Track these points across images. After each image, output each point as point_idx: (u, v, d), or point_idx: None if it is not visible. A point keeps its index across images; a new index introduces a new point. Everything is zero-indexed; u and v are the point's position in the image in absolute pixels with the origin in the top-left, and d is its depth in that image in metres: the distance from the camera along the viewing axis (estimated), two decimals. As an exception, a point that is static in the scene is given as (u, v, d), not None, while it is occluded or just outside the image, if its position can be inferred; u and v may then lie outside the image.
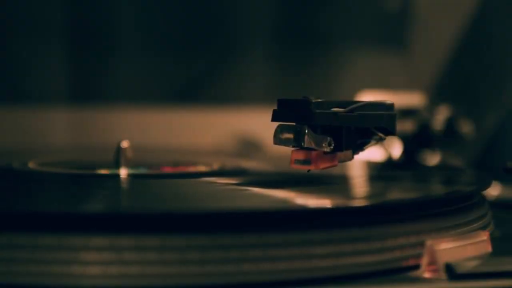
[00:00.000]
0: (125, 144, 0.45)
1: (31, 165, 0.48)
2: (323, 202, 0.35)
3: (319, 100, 0.37)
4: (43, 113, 0.72)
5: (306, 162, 0.37)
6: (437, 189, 0.44)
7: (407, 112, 0.59)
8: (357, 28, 0.79)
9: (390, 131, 0.39)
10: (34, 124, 0.72)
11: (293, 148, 0.38)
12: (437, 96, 0.69)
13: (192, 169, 0.48)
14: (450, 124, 0.59)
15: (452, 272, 0.32)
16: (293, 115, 0.37)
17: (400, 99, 0.62)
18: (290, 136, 0.37)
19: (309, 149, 0.37)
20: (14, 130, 0.72)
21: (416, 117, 0.59)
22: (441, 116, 0.59)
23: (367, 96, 0.63)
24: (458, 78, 0.73)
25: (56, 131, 0.73)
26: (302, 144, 0.37)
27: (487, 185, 0.41)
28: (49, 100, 0.73)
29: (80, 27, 0.74)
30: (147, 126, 0.74)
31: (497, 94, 0.68)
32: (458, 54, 0.72)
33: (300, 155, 0.38)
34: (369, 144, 0.40)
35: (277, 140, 0.38)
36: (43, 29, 0.73)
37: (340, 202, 0.36)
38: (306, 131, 0.37)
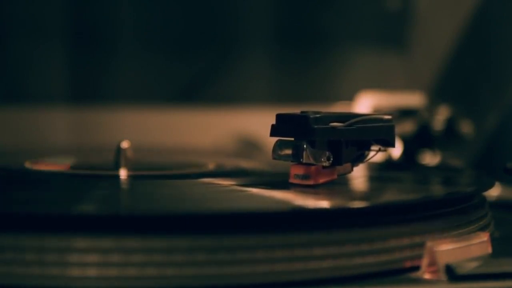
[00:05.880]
0: (125, 144, 0.45)
1: (31, 165, 0.48)
2: (323, 203, 0.35)
3: (318, 115, 0.37)
4: (43, 113, 0.72)
5: (305, 177, 0.38)
6: (437, 189, 0.44)
7: (407, 113, 0.59)
8: (357, 28, 0.79)
9: (389, 143, 0.39)
10: (34, 124, 0.72)
11: (292, 163, 0.38)
12: (437, 96, 0.69)
13: (191, 169, 0.48)
14: (450, 124, 0.59)
15: (452, 273, 0.32)
16: (292, 130, 0.37)
17: (400, 99, 0.62)
18: (289, 151, 0.37)
19: (308, 164, 0.37)
20: (14, 130, 0.72)
21: (416, 117, 0.59)
22: (441, 116, 0.59)
23: (367, 97, 0.63)
24: (458, 78, 0.73)
25: (56, 131, 0.73)
26: (301, 159, 0.37)
27: (489, 186, 0.41)
28: (50, 100, 0.73)
29: (80, 27, 0.74)
30: (147, 126, 0.74)
31: (497, 94, 0.68)
32: (458, 54, 0.72)
33: (299, 170, 0.38)
34: (369, 156, 0.40)
35: (276, 155, 0.38)
36: (43, 29, 0.73)
37: (339, 203, 0.36)
38: (305, 146, 0.37)
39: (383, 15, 0.79)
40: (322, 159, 0.38)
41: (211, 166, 0.49)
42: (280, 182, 0.39)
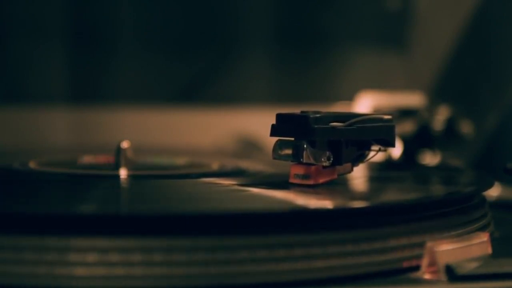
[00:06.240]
0: (125, 144, 0.45)
1: (31, 165, 0.48)
2: (323, 203, 0.35)
3: (318, 115, 0.37)
4: (43, 113, 0.72)
5: (305, 177, 0.38)
6: (437, 190, 0.44)
7: (407, 113, 0.59)
8: (357, 28, 0.79)
9: (389, 143, 0.39)
10: (34, 124, 0.72)
11: (292, 163, 0.38)
12: (437, 96, 0.69)
13: (191, 169, 0.48)
14: (450, 124, 0.59)
15: (452, 274, 0.32)
16: (292, 130, 0.37)
17: (400, 99, 0.62)
18: (289, 151, 0.38)
19: (308, 164, 0.37)
20: (14, 130, 0.72)
21: (416, 117, 0.59)
22: (441, 116, 0.59)
23: (367, 97, 0.63)
24: (458, 78, 0.73)
25: (56, 131, 0.73)
26: (301, 159, 0.37)
27: (489, 186, 0.41)
28: (50, 100, 0.73)
29: (80, 27, 0.74)
30: (147, 126, 0.74)
31: (497, 94, 0.68)
32: (458, 54, 0.72)
33: (300, 170, 0.38)
34: (369, 156, 0.40)
35: (276, 155, 0.38)
36: (43, 29, 0.73)
37: (339, 203, 0.36)
38: (305, 146, 0.37)
39: (383, 15, 0.79)
40: (322, 159, 0.38)
41: (211, 166, 0.49)
42: (280, 182, 0.39)
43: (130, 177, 0.43)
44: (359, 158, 0.40)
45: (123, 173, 0.44)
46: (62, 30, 0.73)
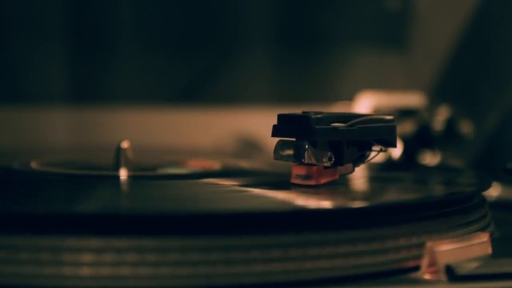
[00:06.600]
0: (125, 144, 0.45)
1: (32, 165, 0.48)
2: (323, 203, 0.35)
3: (319, 115, 0.37)
4: (43, 113, 0.72)
5: (307, 177, 0.38)
6: (437, 190, 0.44)
7: (407, 113, 0.60)
8: (357, 28, 0.79)
9: (390, 143, 0.40)
10: (34, 124, 0.72)
11: (293, 163, 0.38)
12: (437, 96, 0.69)
13: (192, 169, 0.48)
14: (450, 124, 0.59)
15: (452, 274, 0.32)
16: (293, 131, 0.37)
17: (400, 99, 0.62)
18: (291, 152, 0.38)
19: (310, 164, 0.37)
20: (14, 130, 0.72)
21: (416, 117, 0.59)
22: (441, 117, 0.59)
23: (367, 97, 0.63)
24: (458, 78, 0.73)
25: (56, 131, 0.73)
26: (303, 160, 0.37)
27: (487, 186, 0.41)
28: (50, 100, 0.73)
29: (80, 27, 0.74)
30: (147, 126, 0.74)
31: (497, 94, 0.68)
32: (458, 54, 0.72)
33: (301, 170, 0.38)
34: (370, 157, 0.40)
35: (278, 156, 0.38)
36: (43, 29, 0.73)
37: (339, 203, 0.36)
38: (307, 146, 0.37)
39: (383, 15, 0.79)
40: (324, 160, 0.38)
41: (211, 166, 0.49)
42: (281, 182, 0.39)
43: (130, 177, 0.43)
44: (361, 158, 0.40)
45: (123, 173, 0.44)
46: (62, 30, 0.73)
